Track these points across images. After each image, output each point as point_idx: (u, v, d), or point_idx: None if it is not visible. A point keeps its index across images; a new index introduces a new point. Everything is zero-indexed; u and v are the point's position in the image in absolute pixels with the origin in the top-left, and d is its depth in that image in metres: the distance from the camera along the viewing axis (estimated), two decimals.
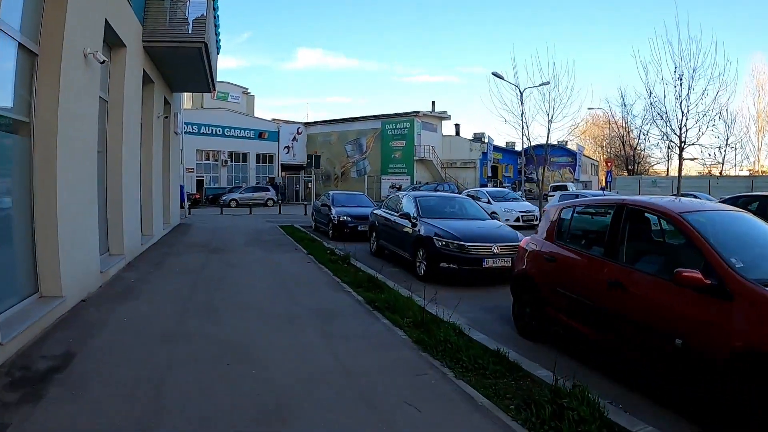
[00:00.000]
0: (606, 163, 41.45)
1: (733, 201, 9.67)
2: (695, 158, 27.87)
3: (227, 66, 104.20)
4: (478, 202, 11.43)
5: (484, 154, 40.48)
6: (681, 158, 13.61)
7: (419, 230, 7.84)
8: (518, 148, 34.06)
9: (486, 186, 31.77)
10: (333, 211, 12.86)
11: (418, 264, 7.68)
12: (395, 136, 38.02)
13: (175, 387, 3.24)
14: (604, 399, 3.03)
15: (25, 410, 2.81)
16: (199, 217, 19.15)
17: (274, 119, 43.75)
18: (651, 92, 14.04)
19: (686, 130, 12.76)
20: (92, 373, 3.40)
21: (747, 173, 35.32)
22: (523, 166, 26.84)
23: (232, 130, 37.24)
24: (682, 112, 12.62)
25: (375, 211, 10.57)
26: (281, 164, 40.74)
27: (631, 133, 39.04)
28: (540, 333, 4.62)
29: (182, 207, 17.14)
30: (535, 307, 4.64)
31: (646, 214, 3.99)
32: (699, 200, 5.82)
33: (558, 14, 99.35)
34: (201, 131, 34.83)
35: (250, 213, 22.35)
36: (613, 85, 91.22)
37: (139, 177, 9.05)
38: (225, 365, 3.62)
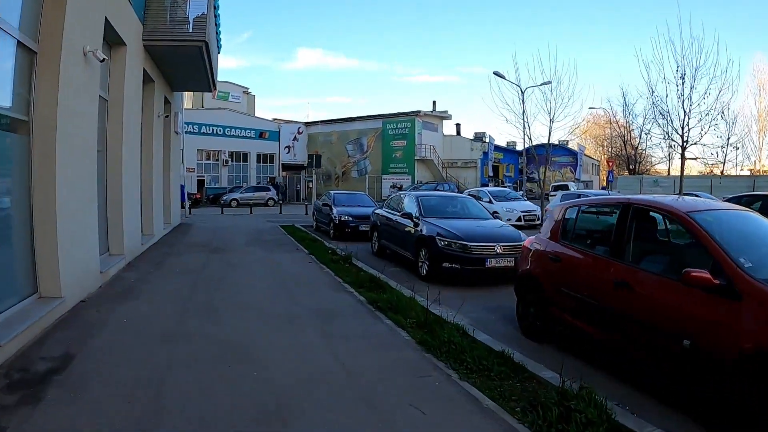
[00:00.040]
0: (607, 162, 41.38)
1: (736, 201, 9.63)
2: (697, 158, 27.83)
3: (227, 66, 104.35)
4: (480, 202, 11.39)
5: (485, 153, 40.45)
6: (683, 157, 13.59)
7: (421, 230, 7.80)
8: (519, 147, 34.07)
9: (487, 186, 31.75)
10: (334, 210, 12.83)
11: (420, 264, 7.63)
12: (396, 136, 37.98)
13: (175, 387, 3.21)
14: (610, 400, 2.99)
15: (23, 412, 2.77)
16: (199, 216, 19.12)
17: (274, 119, 43.75)
18: (653, 91, 14.05)
19: (688, 130, 12.73)
20: (92, 373, 3.37)
21: (748, 173, 35.26)
22: (525, 166, 26.80)
23: (233, 130, 37.20)
24: (685, 111, 12.61)
25: (376, 211, 10.52)
26: (282, 164, 40.72)
27: (632, 132, 39.04)
28: (544, 333, 4.58)
29: (183, 207, 17.11)
30: (540, 307, 4.59)
31: (653, 214, 3.94)
32: (704, 199, 5.77)
33: (558, 14, 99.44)
34: (202, 131, 34.79)
35: (251, 213, 22.33)
36: (614, 84, 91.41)
37: (140, 176, 9.01)
38: (225, 365, 3.59)
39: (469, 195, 13.13)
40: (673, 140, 13.68)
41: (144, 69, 8.93)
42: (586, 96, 73.73)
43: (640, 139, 38.19)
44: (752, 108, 38.38)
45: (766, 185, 22.00)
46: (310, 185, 29.00)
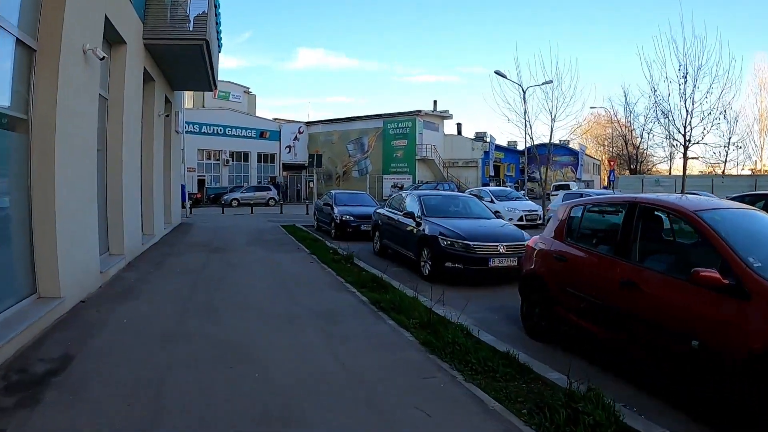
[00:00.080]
0: (609, 162, 41.31)
1: (739, 200, 9.56)
2: (699, 157, 27.76)
3: (228, 66, 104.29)
4: (482, 201, 11.34)
5: (486, 153, 40.39)
6: (686, 157, 13.53)
7: (424, 229, 7.75)
8: (520, 147, 34.00)
9: (488, 185, 31.68)
10: (336, 210, 12.78)
11: (422, 263, 7.59)
12: (397, 136, 37.93)
13: (175, 387, 3.17)
14: (617, 402, 2.94)
15: (21, 414, 2.73)
16: (200, 216, 19.09)
17: (275, 119, 43.72)
18: (655, 90, 13.99)
19: (691, 129, 12.68)
20: (91, 374, 3.33)
21: (749, 172, 35.19)
22: (526, 165, 26.74)
23: (234, 130, 37.18)
24: (687, 110, 12.55)
25: (378, 211, 10.48)
26: (283, 164, 40.68)
27: (633, 132, 38.97)
28: (549, 333, 4.53)
29: (183, 206, 17.07)
30: (545, 307, 4.54)
31: (659, 213, 3.90)
32: (710, 198, 5.72)
33: (558, 14, 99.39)
34: (202, 130, 34.78)
35: (252, 212, 22.31)
36: (615, 84, 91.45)
37: (140, 176, 8.97)
38: (225, 366, 3.55)
39: (470, 194, 13.09)
40: (675, 139, 13.65)
41: (144, 68, 8.89)
42: (587, 95, 73.93)
43: (641, 138, 38.15)
44: (754, 107, 38.36)
45: None
46: (311, 185, 28.95)
